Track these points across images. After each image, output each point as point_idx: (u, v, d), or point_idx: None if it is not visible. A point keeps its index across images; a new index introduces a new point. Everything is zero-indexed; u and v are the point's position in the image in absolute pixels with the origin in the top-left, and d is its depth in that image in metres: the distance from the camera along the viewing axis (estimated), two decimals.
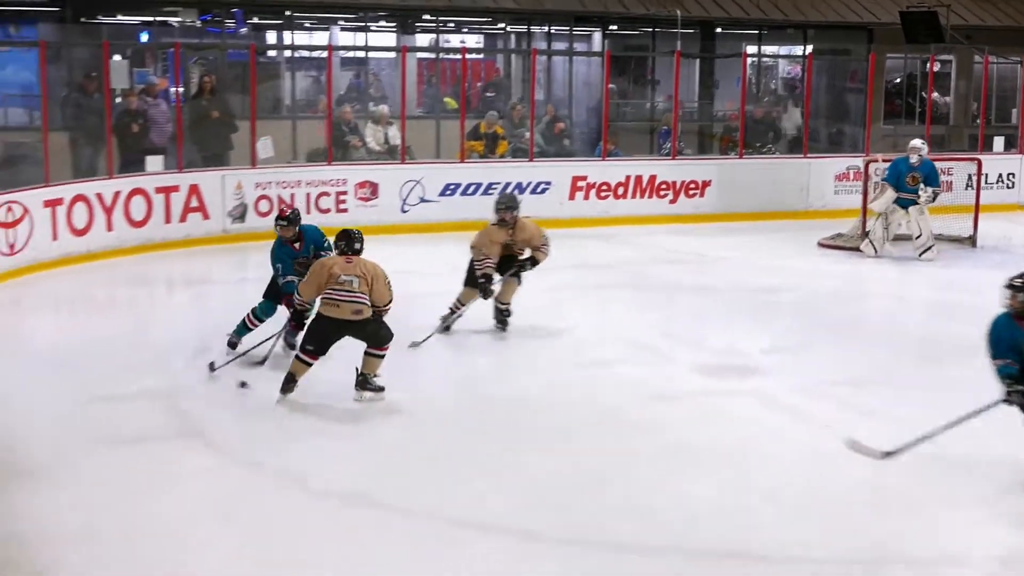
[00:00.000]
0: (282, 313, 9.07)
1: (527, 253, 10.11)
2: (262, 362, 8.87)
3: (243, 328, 9.19)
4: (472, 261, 9.96)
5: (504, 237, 9.96)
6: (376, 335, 8.11)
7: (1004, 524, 6.49)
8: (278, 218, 9.22)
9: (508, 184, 15.45)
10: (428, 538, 6.15)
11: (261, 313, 9.19)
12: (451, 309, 10.04)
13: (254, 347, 8.98)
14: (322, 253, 8.96)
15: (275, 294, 9.14)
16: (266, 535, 6.19)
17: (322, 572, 5.75)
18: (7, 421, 7.84)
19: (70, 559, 5.85)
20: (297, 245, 9.08)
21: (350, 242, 8.21)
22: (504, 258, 10.00)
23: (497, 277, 9.96)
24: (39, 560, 5.83)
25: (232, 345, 9.12)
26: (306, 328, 8.31)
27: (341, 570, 5.79)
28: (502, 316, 10.16)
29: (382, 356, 8.14)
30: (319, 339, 8.09)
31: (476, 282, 9.86)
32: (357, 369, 8.13)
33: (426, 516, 6.40)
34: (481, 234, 10.07)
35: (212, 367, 8.69)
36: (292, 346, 8.86)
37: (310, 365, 8.10)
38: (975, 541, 6.27)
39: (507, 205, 10.04)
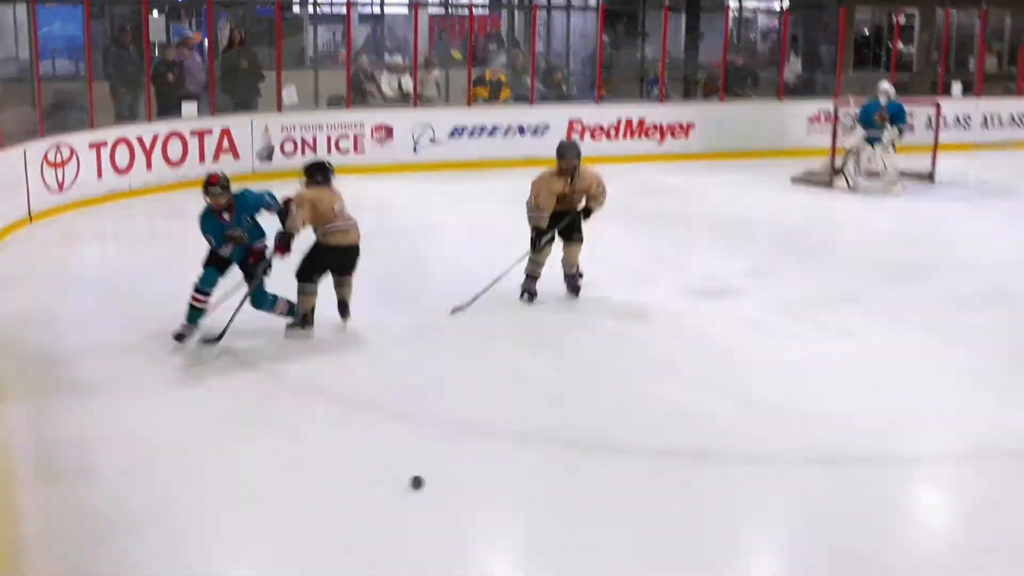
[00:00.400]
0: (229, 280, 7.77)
1: (582, 203, 8.65)
2: (218, 339, 7.56)
3: (194, 314, 7.60)
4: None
5: (563, 187, 8.43)
6: (356, 262, 7.86)
7: (973, 425, 6.51)
8: (210, 184, 7.52)
9: (509, 127, 15.55)
10: (431, 441, 6.18)
11: (205, 285, 7.59)
12: (527, 274, 8.68)
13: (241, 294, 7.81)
14: (266, 210, 7.71)
15: (217, 261, 7.62)
16: (289, 437, 6.23)
17: (337, 472, 5.78)
18: (59, 340, 7.85)
19: (114, 460, 5.89)
20: (227, 216, 7.52)
21: (326, 173, 7.82)
22: (558, 211, 8.54)
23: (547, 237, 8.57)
24: (86, 461, 5.87)
25: (180, 338, 7.54)
26: (305, 261, 7.77)
27: (352, 469, 5.82)
28: (573, 282, 8.79)
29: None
30: (322, 268, 7.78)
31: (534, 238, 8.54)
32: (342, 302, 7.91)
33: (429, 421, 6.43)
34: (538, 184, 8.50)
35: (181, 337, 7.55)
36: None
37: (315, 295, 7.83)
38: (940, 445, 6.28)
39: (576, 152, 8.47)
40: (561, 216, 8.52)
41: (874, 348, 7.87)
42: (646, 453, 6.04)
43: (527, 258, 8.64)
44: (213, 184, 7.52)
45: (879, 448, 6.15)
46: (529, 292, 8.65)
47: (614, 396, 6.89)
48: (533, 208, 8.46)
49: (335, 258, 7.80)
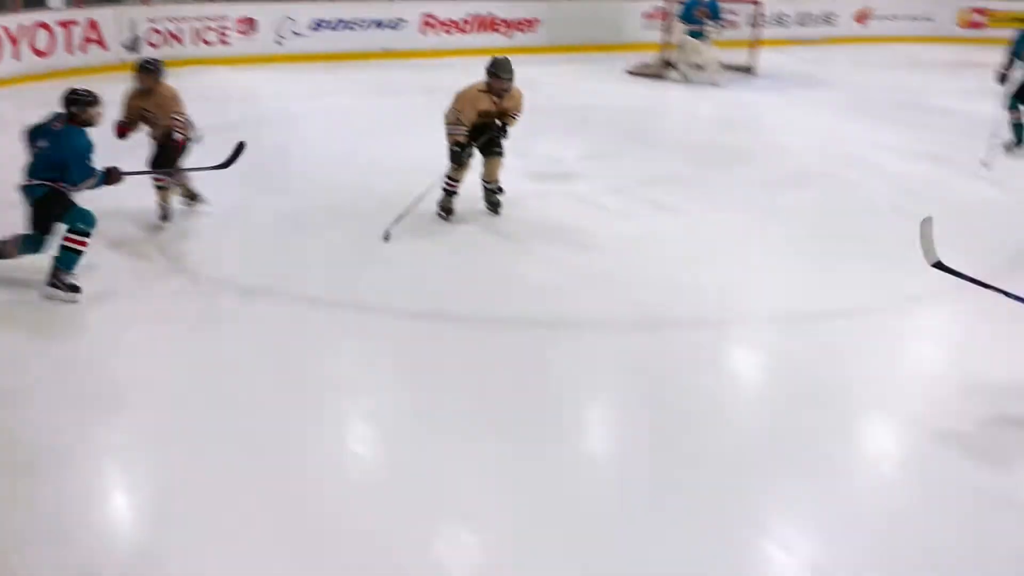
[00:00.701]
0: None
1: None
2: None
3: (72, 257, 6.17)
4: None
5: (488, 105, 7.59)
6: None
7: (786, 291, 6.69)
8: (95, 99, 6.26)
9: (368, 21, 15.18)
10: (296, 317, 6.12)
11: (88, 223, 6.21)
12: (444, 190, 7.83)
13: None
14: None
15: (64, 204, 6.18)
16: (163, 320, 6.06)
17: (209, 350, 5.69)
18: None
19: None
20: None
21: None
22: (478, 125, 7.69)
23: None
24: None
25: (73, 288, 6.13)
26: (162, 156, 7.34)
27: (224, 347, 5.74)
28: (492, 197, 8.02)
29: None
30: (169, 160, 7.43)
31: (452, 152, 7.70)
32: (191, 191, 7.70)
33: (295, 298, 6.34)
34: (463, 100, 7.62)
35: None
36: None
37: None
38: (758, 310, 6.45)
39: (511, 75, 7.57)
40: (480, 130, 7.70)
41: (699, 225, 8.03)
42: (495, 322, 6.08)
43: (444, 174, 7.83)
44: (96, 100, 6.27)
45: (704, 314, 6.31)
46: (445, 209, 7.87)
47: (466, 272, 6.90)
48: (454, 122, 7.60)
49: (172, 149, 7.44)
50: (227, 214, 7.79)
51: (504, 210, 8.08)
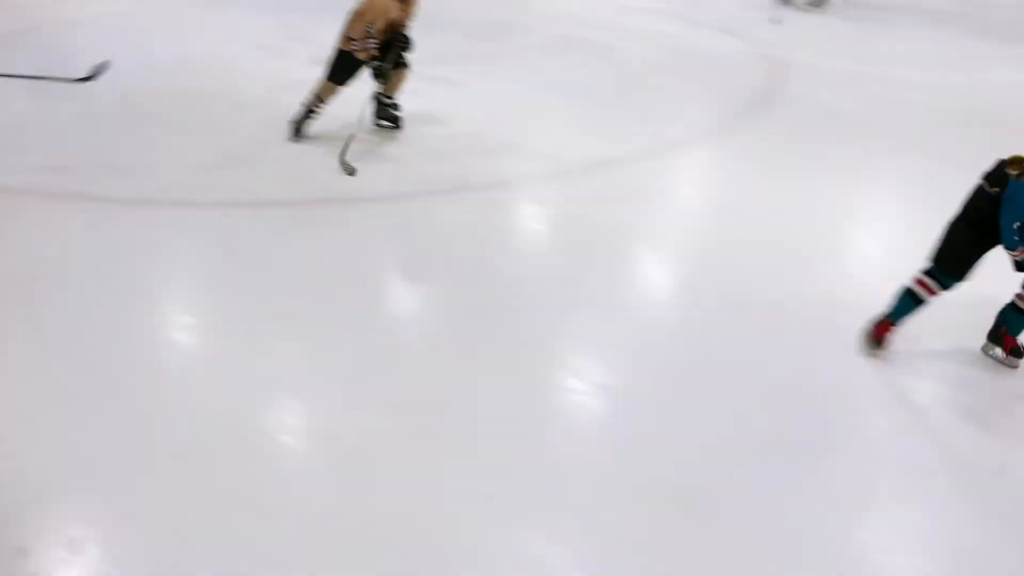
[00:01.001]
0: None
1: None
2: None
3: None
4: (342, 48, 6.82)
5: (398, 13, 6.74)
6: None
7: (559, 150, 6.88)
8: None
9: None
10: (100, 216, 5.90)
11: None
12: (307, 108, 7.00)
13: None
14: None
15: None
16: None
17: (15, 258, 5.43)
18: None
19: None
20: None
21: None
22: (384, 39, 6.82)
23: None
24: None
25: None
26: None
27: (28, 253, 5.46)
28: (391, 113, 7.22)
29: None
30: None
31: (342, 73, 6.86)
32: None
33: (95, 197, 6.10)
34: (373, 10, 6.70)
35: None
36: None
37: None
38: (536, 168, 6.64)
39: None
40: (388, 44, 6.86)
41: (479, 95, 8.14)
42: (296, 204, 6.06)
43: (312, 92, 7.03)
44: None
45: (489, 176, 6.48)
46: (299, 129, 7.04)
47: (273, 161, 6.74)
48: (364, 36, 6.69)
49: None
50: (25, 116, 7.33)
51: (290, 95, 7.81)
